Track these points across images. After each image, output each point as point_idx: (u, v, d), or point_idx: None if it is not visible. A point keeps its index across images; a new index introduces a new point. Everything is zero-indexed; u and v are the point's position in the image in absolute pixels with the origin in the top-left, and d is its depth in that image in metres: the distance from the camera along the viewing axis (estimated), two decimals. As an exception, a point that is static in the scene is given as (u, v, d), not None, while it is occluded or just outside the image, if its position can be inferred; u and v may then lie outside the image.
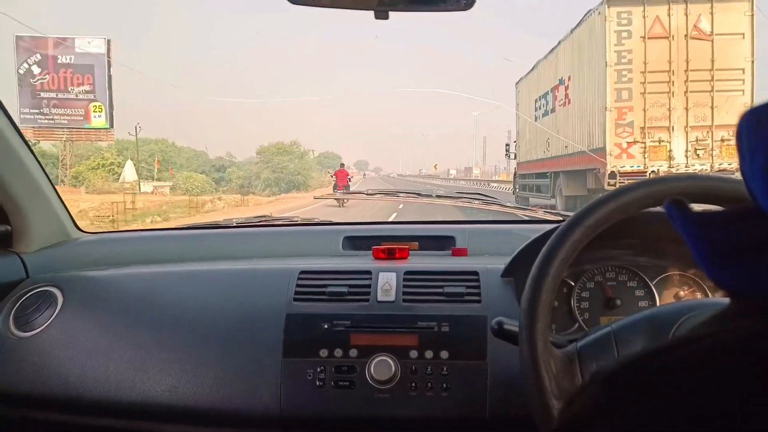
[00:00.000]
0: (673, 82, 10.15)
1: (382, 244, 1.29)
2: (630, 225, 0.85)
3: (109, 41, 24.30)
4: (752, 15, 9.88)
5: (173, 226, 1.75)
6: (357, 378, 1.01)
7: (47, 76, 23.58)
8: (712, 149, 9.93)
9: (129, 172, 26.96)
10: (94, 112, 24.02)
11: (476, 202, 1.79)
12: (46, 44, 23.83)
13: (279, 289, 1.12)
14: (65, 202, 1.44)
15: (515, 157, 17.81)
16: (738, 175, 0.38)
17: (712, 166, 9.88)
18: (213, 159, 46.57)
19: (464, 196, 1.83)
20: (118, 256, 1.40)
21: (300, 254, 1.39)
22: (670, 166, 10.05)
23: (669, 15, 10.04)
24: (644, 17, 10.12)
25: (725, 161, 9.84)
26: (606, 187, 9.85)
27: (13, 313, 1.16)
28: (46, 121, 24.09)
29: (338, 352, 1.02)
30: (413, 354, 1.01)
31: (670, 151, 10.08)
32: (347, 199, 12.35)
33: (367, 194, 1.99)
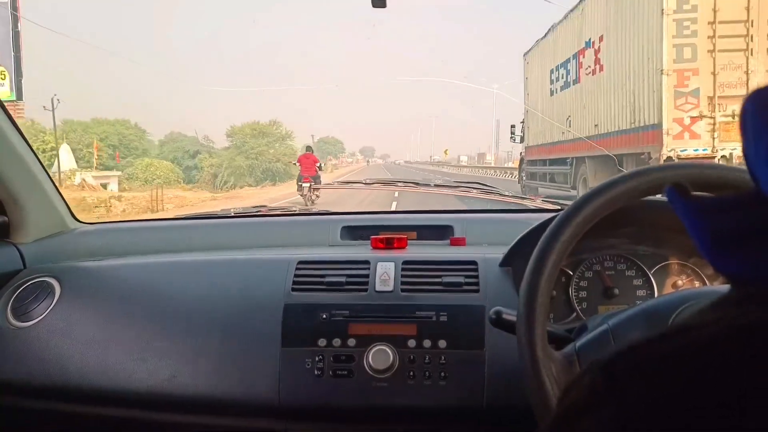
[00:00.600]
0: (752, 36, 7.70)
1: (380, 233, 1.29)
2: (628, 213, 0.90)
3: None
4: None
5: (171, 216, 1.72)
6: (355, 367, 1.02)
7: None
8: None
9: (65, 159, 21.45)
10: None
11: (474, 191, 1.80)
12: None
13: (277, 279, 1.12)
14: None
15: (521, 141, 15.26)
16: None
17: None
18: (186, 144, 36.96)
19: (462, 185, 1.88)
20: (115, 246, 1.41)
21: (298, 244, 1.38)
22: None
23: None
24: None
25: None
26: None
27: (10, 303, 1.17)
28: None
29: (336, 342, 1.03)
30: (411, 343, 1.02)
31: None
32: (317, 194, 9.81)
33: (365, 184, 2.00)
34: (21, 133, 1.28)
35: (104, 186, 20.74)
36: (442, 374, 1.00)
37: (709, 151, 7.83)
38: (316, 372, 1.02)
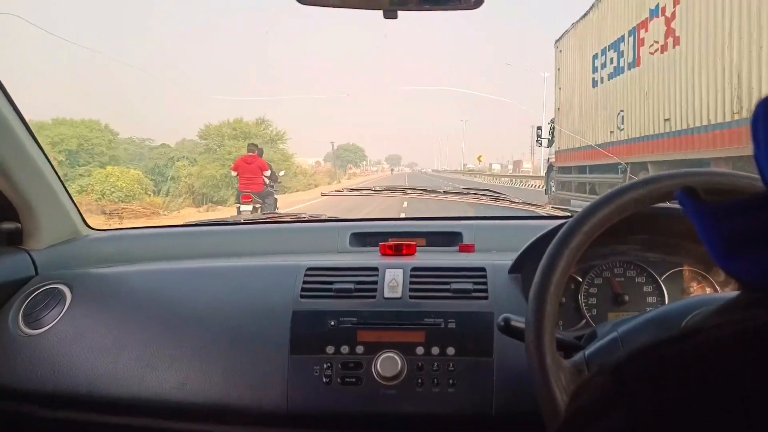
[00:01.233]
0: None
1: (389, 240, 1.31)
2: (639, 220, 0.88)
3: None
4: None
5: (182, 223, 1.75)
6: (363, 374, 1.02)
7: None
8: None
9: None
10: None
11: (484, 197, 1.80)
12: None
13: (286, 286, 1.13)
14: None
15: (549, 145, 12.83)
16: None
17: None
18: (171, 150, 24.59)
19: (472, 191, 1.88)
20: (126, 253, 1.41)
21: (307, 251, 1.39)
22: None
23: None
24: None
25: None
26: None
27: (22, 310, 1.18)
28: None
29: (345, 349, 1.03)
30: (420, 350, 1.02)
31: None
32: (273, 209, 7.40)
33: (375, 191, 2.00)
34: (36, 141, 1.29)
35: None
36: (451, 381, 1.00)
37: None
38: (324, 379, 1.02)
